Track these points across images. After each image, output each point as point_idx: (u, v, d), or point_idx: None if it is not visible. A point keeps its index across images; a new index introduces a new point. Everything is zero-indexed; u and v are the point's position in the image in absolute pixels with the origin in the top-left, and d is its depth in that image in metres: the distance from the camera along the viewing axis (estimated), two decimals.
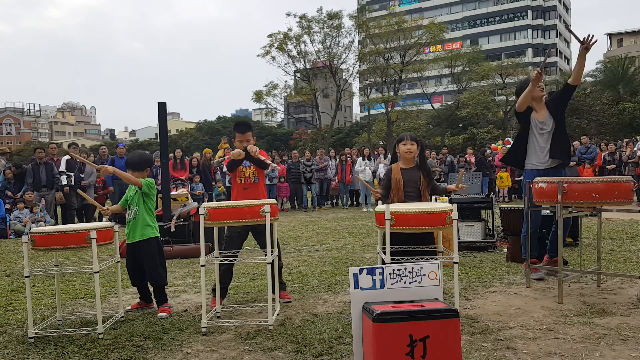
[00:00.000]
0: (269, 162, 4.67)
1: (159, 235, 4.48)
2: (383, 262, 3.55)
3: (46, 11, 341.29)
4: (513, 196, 15.81)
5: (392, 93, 39.28)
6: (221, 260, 4.33)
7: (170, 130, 63.61)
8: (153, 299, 4.44)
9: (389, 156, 15.04)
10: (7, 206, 10.89)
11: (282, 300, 4.49)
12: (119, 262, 4.37)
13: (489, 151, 17.62)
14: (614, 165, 14.06)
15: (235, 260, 4.27)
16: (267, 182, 12.70)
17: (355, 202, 15.43)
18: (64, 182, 11.18)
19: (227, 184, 12.69)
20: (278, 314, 4.11)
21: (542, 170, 5.05)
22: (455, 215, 3.56)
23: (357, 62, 39.64)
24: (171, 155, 12.82)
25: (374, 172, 14.19)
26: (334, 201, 16.15)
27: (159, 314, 4.24)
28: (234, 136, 4.74)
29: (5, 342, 3.75)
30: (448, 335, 2.42)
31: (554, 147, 5.04)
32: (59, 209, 11.88)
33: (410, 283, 2.66)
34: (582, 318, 3.80)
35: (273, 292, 4.13)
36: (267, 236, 3.83)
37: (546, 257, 5.22)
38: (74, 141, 13.75)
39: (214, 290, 4.47)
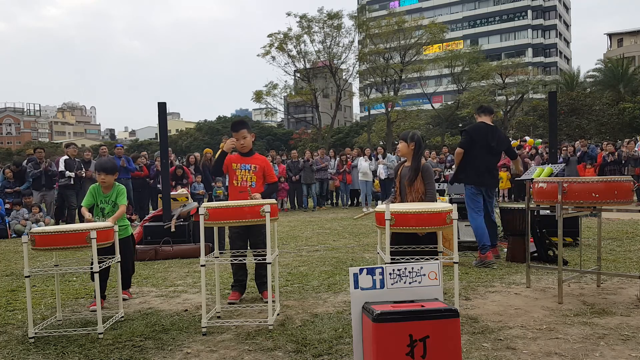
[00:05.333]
0: (277, 181, 4.99)
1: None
2: (383, 262, 3.55)
3: (44, 10, 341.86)
4: (513, 196, 15.78)
5: (392, 93, 39.29)
6: (231, 260, 4.50)
7: (170, 130, 63.65)
8: (106, 294, 4.93)
9: (388, 155, 15.05)
10: (7, 206, 10.88)
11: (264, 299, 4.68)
12: (119, 262, 4.37)
13: None
14: (613, 158, 14.01)
15: (244, 260, 4.33)
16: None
17: (355, 202, 15.43)
18: (72, 181, 11.08)
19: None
20: (278, 314, 4.11)
21: None
22: (455, 215, 3.56)
23: (357, 62, 39.66)
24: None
25: (374, 172, 14.19)
26: (334, 201, 16.15)
27: (124, 296, 4.74)
28: (231, 136, 4.77)
29: (5, 342, 3.75)
30: (448, 335, 2.41)
31: None
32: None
33: (410, 283, 2.66)
34: (582, 318, 3.80)
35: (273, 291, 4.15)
36: (267, 236, 3.83)
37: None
38: (72, 141, 13.66)
39: (233, 286, 4.77)
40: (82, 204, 4.77)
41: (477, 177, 6.10)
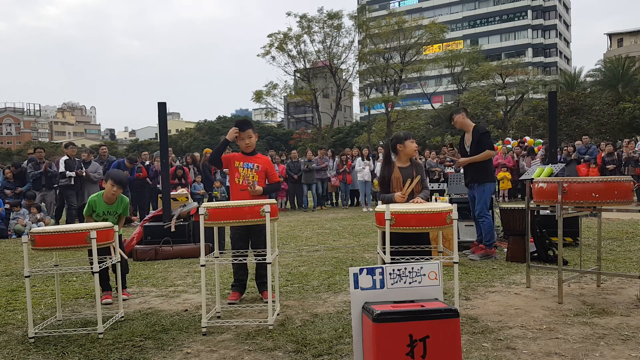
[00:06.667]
0: (279, 180, 5.02)
1: None
2: (383, 262, 3.55)
3: (43, 10, 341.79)
4: (518, 195, 15.72)
5: (392, 93, 39.28)
6: (232, 260, 4.54)
7: (170, 130, 63.63)
8: (111, 285, 4.96)
9: None
10: (7, 206, 10.88)
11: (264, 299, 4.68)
12: (119, 262, 4.37)
13: None
14: (614, 166, 14.04)
15: (245, 260, 4.35)
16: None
17: (355, 202, 15.42)
18: (72, 181, 11.05)
19: (228, 184, 12.68)
20: (278, 314, 4.11)
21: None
22: (455, 215, 3.56)
23: (357, 62, 39.66)
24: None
25: (373, 172, 14.18)
26: (334, 201, 16.14)
27: (123, 296, 4.68)
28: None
29: (5, 342, 3.75)
30: (448, 335, 2.41)
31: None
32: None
33: (410, 283, 2.66)
34: (582, 318, 3.80)
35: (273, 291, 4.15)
36: (267, 236, 3.83)
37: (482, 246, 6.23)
38: (71, 141, 13.61)
39: (233, 285, 4.76)
40: (85, 214, 4.82)
41: (494, 174, 6.62)
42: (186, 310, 4.44)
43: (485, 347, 3.27)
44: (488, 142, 6.35)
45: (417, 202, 4.05)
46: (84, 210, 4.82)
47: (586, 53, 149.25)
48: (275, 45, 37.27)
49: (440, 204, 3.92)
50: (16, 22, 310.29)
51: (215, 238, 4.39)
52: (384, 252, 3.55)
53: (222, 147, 4.71)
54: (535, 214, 6.33)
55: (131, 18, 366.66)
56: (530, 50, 67.62)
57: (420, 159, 15.34)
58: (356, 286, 2.62)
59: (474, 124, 6.54)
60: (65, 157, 11.22)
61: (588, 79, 43.15)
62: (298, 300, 4.59)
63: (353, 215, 12.42)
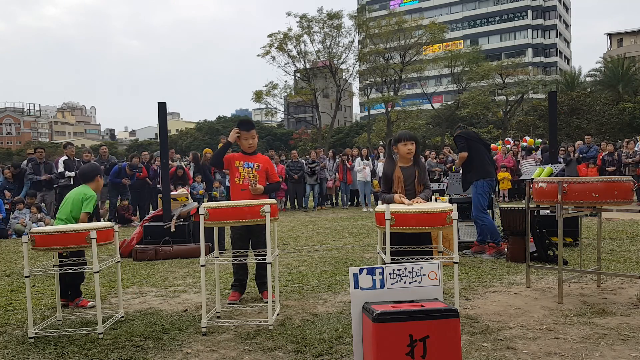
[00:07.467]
0: (279, 180, 5.03)
1: None
2: (383, 262, 3.55)
3: (43, 9, 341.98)
4: (517, 194, 15.71)
5: (392, 93, 39.27)
6: (232, 260, 4.57)
7: (170, 130, 63.63)
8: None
9: None
10: (7, 206, 10.88)
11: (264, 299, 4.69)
12: (119, 262, 4.37)
13: None
14: (614, 168, 14.04)
15: (245, 260, 4.36)
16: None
17: (355, 202, 15.41)
18: (72, 181, 11.05)
19: (228, 184, 12.67)
20: (278, 314, 4.11)
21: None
22: (455, 215, 3.56)
23: (357, 62, 39.65)
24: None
25: (373, 172, 14.18)
26: (334, 201, 16.14)
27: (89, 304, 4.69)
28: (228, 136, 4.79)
29: (5, 342, 3.75)
30: (448, 335, 2.41)
31: None
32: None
33: (410, 283, 2.66)
34: (582, 318, 3.81)
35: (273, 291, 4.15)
36: (267, 236, 3.83)
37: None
38: (70, 141, 13.60)
39: (233, 285, 4.76)
40: (91, 211, 4.65)
41: (487, 170, 6.49)
42: (186, 310, 4.44)
43: (485, 347, 3.27)
44: (458, 146, 6.58)
45: (417, 202, 4.04)
46: (90, 207, 4.63)
47: (586, 53, 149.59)
48: (275, 45, 37.25)
49: (440, 204, 3.92)
50: (16, 22, 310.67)
51: (215, 238, 4.39)
52: (384, 252, 3.55)
53: (224, 149, 4.70)
54: (535, 214, 6.33)
55: (131, 18, 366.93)
56: (530, 50, 67.63)
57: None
58: (356, 286, 2.62)
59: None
60: (65, 157, 11.22)
61: (588, 79, 43.17)
62: (298, 300, 4.59)
63: (353, 215, 12.42)
